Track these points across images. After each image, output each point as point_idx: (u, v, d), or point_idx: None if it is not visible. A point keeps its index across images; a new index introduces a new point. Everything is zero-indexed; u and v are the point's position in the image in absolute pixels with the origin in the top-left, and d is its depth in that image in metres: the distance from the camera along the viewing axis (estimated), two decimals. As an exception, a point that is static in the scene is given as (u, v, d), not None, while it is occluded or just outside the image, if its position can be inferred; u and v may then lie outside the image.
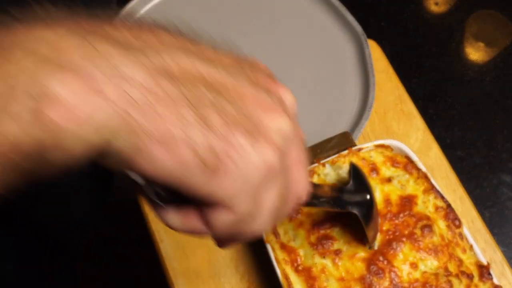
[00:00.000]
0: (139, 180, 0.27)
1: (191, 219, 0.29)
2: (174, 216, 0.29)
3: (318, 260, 0.55)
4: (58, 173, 0.24)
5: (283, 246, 0.56)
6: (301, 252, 0.55)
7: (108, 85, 0.23)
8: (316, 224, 0.56)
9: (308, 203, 0.45)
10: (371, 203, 0.50)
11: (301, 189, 0.32)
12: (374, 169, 0.60)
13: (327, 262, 0.55)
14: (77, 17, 0.26)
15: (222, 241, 0.30)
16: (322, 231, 0.55)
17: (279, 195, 0.29)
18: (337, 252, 0.54)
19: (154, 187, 0.29)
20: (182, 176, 0.25)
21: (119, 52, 0.25)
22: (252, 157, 0.26)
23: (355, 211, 0.49)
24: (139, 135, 0.24)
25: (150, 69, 0.25)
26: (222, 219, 0.28)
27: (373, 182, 0.60)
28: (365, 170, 0.60)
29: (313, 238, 0.55)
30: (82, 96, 0.23)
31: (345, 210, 0.48)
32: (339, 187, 0.50)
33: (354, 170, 0.54)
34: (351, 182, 0.51)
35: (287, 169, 0.30)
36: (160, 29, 0.31)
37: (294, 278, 0.57)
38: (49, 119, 0.22)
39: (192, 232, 0.29)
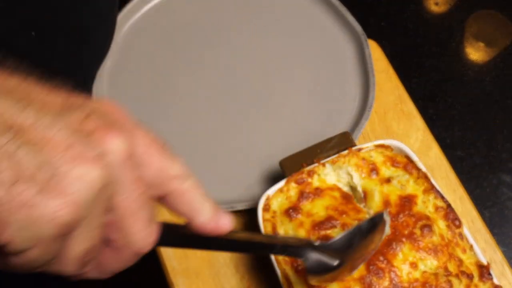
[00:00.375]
0: None
1: None
2: None
3: None
4: None
5: None
6: None
7: None
8: (317, 224, 0.56)
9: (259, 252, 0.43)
10: (335, 268, 0.48)
11: (134, 240, 0.31)
12: (374, 169, 0.60)
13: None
14: None
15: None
16: (322, 232, 0.55)
17: (88, 247, 0.29)
18: None
19: None
20: None
21: None
22: (37, 213, 0.26)
23: (306, 263, 0.46)
24: None
25: None
26: (10, 260, 0.28)
27: (373, 183, 0.60)
28: (365, 170, 0.60)
29: (313, 239, 0.55)
30: None
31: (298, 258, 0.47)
32: (309, 243, 0.47)
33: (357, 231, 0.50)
34: (339, 237, 0.48)
35: (103, 223, 0.30)
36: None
37: (294, 278, 0.57)
38: None
39: None
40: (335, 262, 0.48)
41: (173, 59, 0.76)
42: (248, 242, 0.42)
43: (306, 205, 0.58)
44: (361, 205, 0.59)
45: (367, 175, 0.60)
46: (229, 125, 0.72)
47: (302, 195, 0.58)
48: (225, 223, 0.37)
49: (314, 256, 0.46)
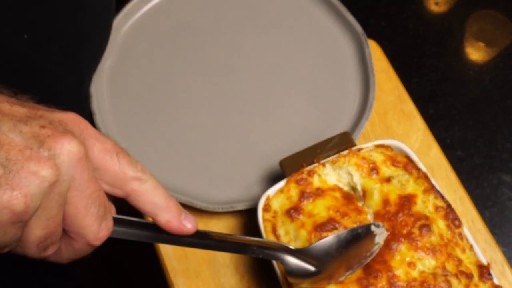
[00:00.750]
0: None
1: None
2: None
3: None
4: None
5: None
6: None
7: None
8: (318, 226, 0.56)
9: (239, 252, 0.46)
10: (314, 274, 0.49)
11: (85, 233, 0.36)
12: (374, 168, 0.60)
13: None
14: None
15: None
16: (324, 234, 0.55)
17: (45, 233, 0.34)
18: None
19: None
20: None
21: None
22: None
23: (284, 266, 0.48)
24: None
25: None
26: None
27: (372, 182, 0.60)
28: (365, 170, 0.60)
29: (314, 240, 0.55)
30: None
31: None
32: (289, 249, 0.48)
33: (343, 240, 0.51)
34: (319, 245, 0.49)
35: (58, 215, 0.34)
36: None
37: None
38: None
39: None
40: (312, 268, 0.48)
41: (173, 59, 0.76)
42: (220, 241, 0.44)
43: (307, 205, 0.58)
44: (360, 203, 0.59)
45: (367, 175, 0.60)
46: (229, 125, 0.72)
47: (303, 195, 0.58)
48: (188, 224, 0.41)
49: (291, 260, 0.47)
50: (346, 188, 0.60)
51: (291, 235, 0.57)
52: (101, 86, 0.73)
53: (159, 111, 0.73)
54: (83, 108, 0.72)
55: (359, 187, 0.60)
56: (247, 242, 0.46)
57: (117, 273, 1.35)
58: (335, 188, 0.60)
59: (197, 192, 0.68)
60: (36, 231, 0.34)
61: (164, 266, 0.65)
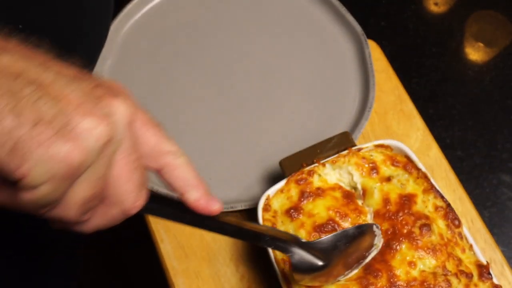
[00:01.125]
0: None
1: None
2: None
3: None
4: None
5: None
6: None
7: None
8: (318, 226, 0.56)
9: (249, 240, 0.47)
10: (320, 268, 0.49)
11: (124, 199, 0.36)
12: (374, 168, 0.60)
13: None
14: None
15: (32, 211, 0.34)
16: (323, 235, 0.55)
17: (91, 194, 0.33)
18: None
19: None
20: None
21: None
22: (52, 152, 0.30)
23: (292, 259, 0.48)
24: None
25: None
26: (22, 196, 0.31)
27: (372, 181, 0.60)
28: (365, 169, 0.60)
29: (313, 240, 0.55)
30: None
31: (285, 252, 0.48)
32: (301, 242, 0.48)
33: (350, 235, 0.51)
34: (328, 239, 0.49)
35: (106, 175, 0.34)
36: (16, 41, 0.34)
37: (293, 278, 0.57)
38: None
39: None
40: (320, 263, 0.48)
41: (173, 59, 0.76)
42: (237, 227, 0.44)
43: (307, 205, 0.58)
44: (361, 202, 0.59)
45: (367, 174, 0.60)
46: (229, 125, 0.72)
47: (303, 195, 0.58)
48: (215, 204, 0.40)
49: (300, 253, 0.47)
50: (346, 187, 0.61)
51: None
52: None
53: (159, 111, 0.73)
54: None
55: (359, 186, 0.60)
56: (261, 232, 0.46)
57: (117, 273, 1.35)
58: (336, 187, 0.60)
59: (197, 192, 0.68)
60: (83, 191, 0.33)
61: (164, 266, 0.65)
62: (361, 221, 0.56)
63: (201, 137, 0.71)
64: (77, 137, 0.31)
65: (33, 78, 0.31)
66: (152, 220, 0.67)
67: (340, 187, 0.60)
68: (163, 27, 0.79)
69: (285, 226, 0.57)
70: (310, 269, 0.49)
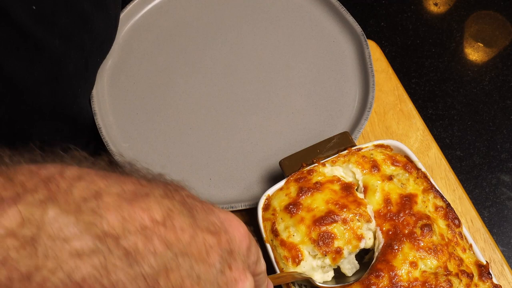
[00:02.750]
0: None
1: None
2: None
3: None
4: None
5: (283, 243, 0.56)
6: (302, 248, 0.55)
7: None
8: (317, 220, 0.56)
9: None
10: None
11: None
12: (375, 165, 0.60)
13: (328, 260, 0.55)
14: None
15: None
16: (323, 228, 0.55)
17: None
18: (338, 251, 0.55)
19: None
20: None
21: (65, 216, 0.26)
22: None
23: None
24: None
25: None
26: None
27: (374, 178, 0.59)
28: (366, 167, 0.60)
29: (314, 234, 0.55)
30: None
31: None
32: None
33: None
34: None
35: None
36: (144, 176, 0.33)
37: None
38: None
39: None
40: None
41: (173, 59, 0.76)
42: None
43: (305, 200, 0.58)
44: (361, 195, 0.59)
45: (368, 171, 0.60)
46: (229, 125, 0.72)
47: (301, 190, 0.58)
48: None
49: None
50: (346, 180, 0.60)
51: (290, 230, 0.57)
52: (101, 86, 0.74)
53: (159, 111, 0.73)
54: (90, 95, 0.72)
55: (360, 184, 0.60)
56: None
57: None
58: (334, 180, 0.59)
59: (197, 192, 0.68)
60: None
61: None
62: (361, 212, 0.56)
63: (201, 137, 0.71)
64: None
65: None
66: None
67: (339, 179, 0.60)
68: (163, 27, 0.79)
69: (285, 223, 0.57)
70: None
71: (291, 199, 0.58)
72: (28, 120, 0.61)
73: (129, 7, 0.78)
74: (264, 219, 0.58)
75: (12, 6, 0.50)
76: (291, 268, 0.55)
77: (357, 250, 0.56)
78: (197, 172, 0.69)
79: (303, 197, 0.58)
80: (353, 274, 0.57)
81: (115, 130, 0.71)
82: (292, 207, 0.57)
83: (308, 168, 0.60)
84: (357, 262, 0.57)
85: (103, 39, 0.70)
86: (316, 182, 0.59)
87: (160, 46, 0.77)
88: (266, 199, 0.59)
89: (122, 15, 0.77)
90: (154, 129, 0.72)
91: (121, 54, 0.76)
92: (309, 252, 0.55)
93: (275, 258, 0.56)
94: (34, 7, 0.53)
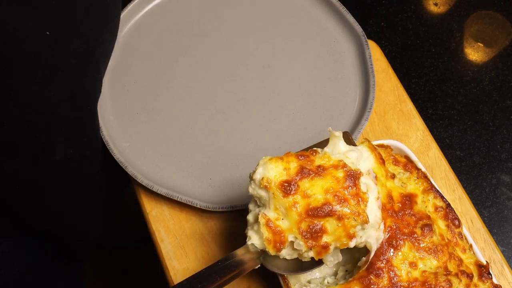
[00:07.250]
0: None
1: None
2: None
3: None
4: None
5: (269, 224, 0.52)
6: (287, 235, 0.52)
7: None
8: (311, 210, 0.51)
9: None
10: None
11: None
12: (382, 158, 0.57)
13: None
14: None
15: None
16: (315, 220, 0.51)
17: None
18: (325, 246, 0.51)
19: None
20: None
21: None
22: None
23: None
24: None
25: None
26: None
27: (382, 170, 0.57)
28: (377, 154, 0.57)
29: (304, 225, 0.51)
30: None
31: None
32: None
33: None
34: None
35: None
36: None
37: (291, 277, 0.57)
38: None
39: None
40: None
41: (173, 59, 0.76)
42: None
43: (304, 182, 0.53)
44: (364, 187, 0.54)
45: (377, 161, 0.56)
46: (229, 125, 0.72)
47: (302, 171, 0.53)
48: None
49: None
50: (352, 166, 0.54)
51: (280, 211, 0.52)
52: (102, 85, 0.74)
53: (159, 111, 0.73)
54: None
55: (371, 172, 0.56)
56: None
57: (118, 273, 1.35)
58: (339, 166, 0.54)
59: (197, 192, 0.68)
60: None
61: (164, 266, 0.65)
62: (360, 211, 0.52)
63: (202, 137, 0.71)
64: None
65: None
66: (152, 220, 0.67)
67: (345, 165, 0.53)
68: (163, 27, 0.79)
69: (276, 201, 0.52)
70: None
71: (289, 176, 0.53)
72: (49, 135, 0.61)
73: (130, 6, 0.78)
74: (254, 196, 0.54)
75: (28, 36, 0.51)
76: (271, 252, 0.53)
77: (345, 247, 0.52)
78: (197, 172, 0.69)
79: (302, 178, 0.52)
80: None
81: (114, 130, 0.71)
82: (287, 186, 0.52)
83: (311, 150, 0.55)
84: (340, 254, 0.54)
85: (109, 47, 0.71)
86: (319, 166, 0.53)
87: (160, 46, 0.77)
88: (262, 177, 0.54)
89: (122, 15, 0.77)
90: (154, 128, 0.72)
91: (121, 54, 0.76)
92: (292, 242, 0.52)
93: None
94: (48, 33, 0.53)
